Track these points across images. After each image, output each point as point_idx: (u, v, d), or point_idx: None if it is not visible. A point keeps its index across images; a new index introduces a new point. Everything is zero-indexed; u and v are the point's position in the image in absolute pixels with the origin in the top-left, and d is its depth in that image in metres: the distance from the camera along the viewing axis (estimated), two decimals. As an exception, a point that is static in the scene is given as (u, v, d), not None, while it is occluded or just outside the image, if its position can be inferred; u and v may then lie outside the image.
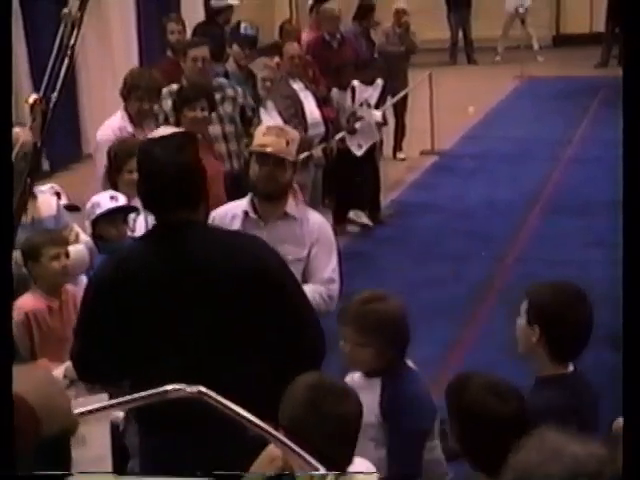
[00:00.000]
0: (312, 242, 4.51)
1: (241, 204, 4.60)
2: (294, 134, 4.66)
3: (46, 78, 2.37)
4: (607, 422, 3.22)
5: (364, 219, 9.66)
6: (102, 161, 5.98)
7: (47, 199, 5.12)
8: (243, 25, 7.91)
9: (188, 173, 3.52)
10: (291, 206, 4.57)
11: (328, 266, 4.53)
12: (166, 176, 3.45)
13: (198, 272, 3.43)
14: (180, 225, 3.47)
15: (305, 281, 4.38)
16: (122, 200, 5.07)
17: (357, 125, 9.32)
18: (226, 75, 7.67)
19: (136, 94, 6.35)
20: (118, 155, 5.55)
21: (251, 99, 7.42)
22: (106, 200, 5.05)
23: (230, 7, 10.49)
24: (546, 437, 1.79)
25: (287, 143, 4.45)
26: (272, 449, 2.88)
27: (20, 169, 2.52)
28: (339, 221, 9.74)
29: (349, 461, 2.83)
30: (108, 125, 6.43)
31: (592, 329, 3.31)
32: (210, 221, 4.37)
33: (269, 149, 4.42)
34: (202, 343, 3.27)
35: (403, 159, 12.32)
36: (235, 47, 7.89)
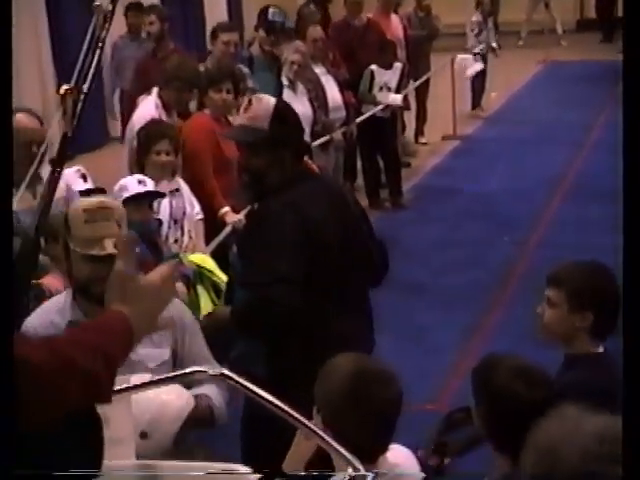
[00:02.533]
0: (176, 334, 3.60)
1: (60, 307, 3.52)
2: (115, 204, 3.59)
3: (77, 69, 2.40)
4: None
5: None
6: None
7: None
8: (271, 11, 7.82)
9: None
10: None
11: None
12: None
13: (339, 205, 4.01)
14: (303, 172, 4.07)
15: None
16: (150, 184, 5.07)
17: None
18: (250, 60, 7.65)
19: (175, 84, 6.27)
20: (148, 136, 5.55)
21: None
22: (134, 184, 5.03)
23: None
24: (566, 412, 1.79)
25: (118, 224, 3.41)
26: (308, 442, 2.86)
27: (21, 156, 2.56)
28: (373, 200, 9.76)
29: (387, 447, 2.79)
30: (144, 114, 6.30)
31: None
32: (27, 330, 3.39)
33: (108, 249, 3.28)
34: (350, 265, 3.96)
35: (425, 144, 12.31)
36: (261, 32, 7.84)
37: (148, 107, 6.39)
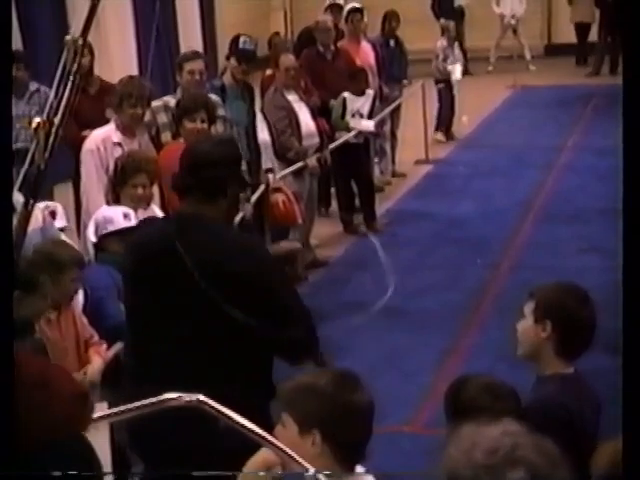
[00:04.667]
0: None
1: None
2: None
3: (49, 102, 2.43)
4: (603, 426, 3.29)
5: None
6: (88, 170, 6.16)
7: (34, 213, 5.14)
8: (242, 39, 7.81)
9: (209, 163, 3.60)
10: None
11: None
12: (190, 164, 3.65)
13: (187, 268, 3.42)
14: (188, 218, 3.56)
15: None
16: (133, 218, 5.13)
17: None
18: (222, 89, 7.66)
19: (129, 102, 6.31)
20: (125, 168, 5.57)
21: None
22: (119, 218, 5.09)
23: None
24: (460, 431, 1.86)
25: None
26: (266, 454, 2.90)
27: None
28: (348, 225, 9.79)
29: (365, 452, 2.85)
30: (94, 135, 6.46)
31: (595, 330, 3.36)
32: None
33: None
34: (179, 337, 3.45)
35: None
36: (233, 61, 7.86)
37: (100, 129, 6.48)
